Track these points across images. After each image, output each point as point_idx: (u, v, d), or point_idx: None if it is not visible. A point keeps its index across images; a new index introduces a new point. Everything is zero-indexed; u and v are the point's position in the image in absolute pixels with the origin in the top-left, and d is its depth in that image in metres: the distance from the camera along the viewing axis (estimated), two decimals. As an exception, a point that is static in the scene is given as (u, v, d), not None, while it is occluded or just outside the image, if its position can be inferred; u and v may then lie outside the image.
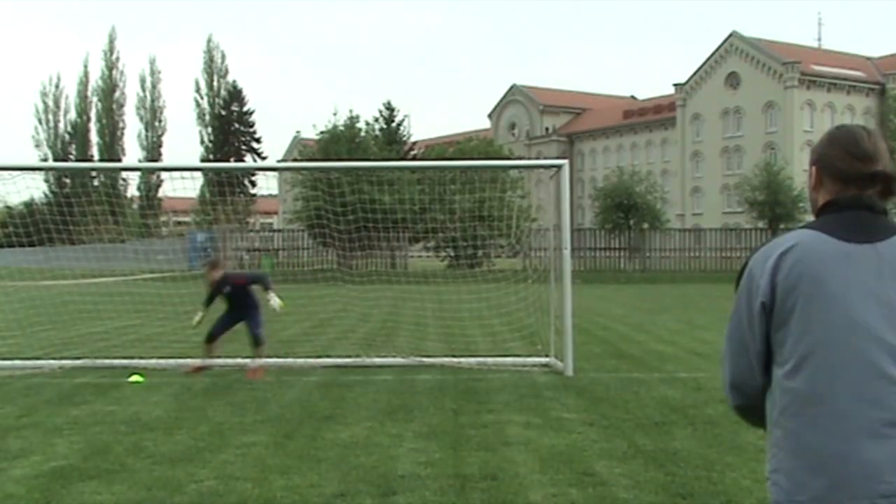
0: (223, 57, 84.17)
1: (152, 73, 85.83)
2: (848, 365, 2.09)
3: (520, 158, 72.26)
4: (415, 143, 73.17)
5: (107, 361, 11.67)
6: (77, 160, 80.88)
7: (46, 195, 70.88)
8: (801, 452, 2.10)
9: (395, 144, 63.41)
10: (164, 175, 28.31)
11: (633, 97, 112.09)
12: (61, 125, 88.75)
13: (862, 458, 2.03)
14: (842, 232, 2.16)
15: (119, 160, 79.27)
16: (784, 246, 2.19)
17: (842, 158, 2.21)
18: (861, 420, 2.05)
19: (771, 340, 2.20)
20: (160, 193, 70.63)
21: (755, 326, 2.21)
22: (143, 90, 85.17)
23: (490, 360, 11.59)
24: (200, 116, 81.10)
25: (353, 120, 52.31)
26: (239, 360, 11.72)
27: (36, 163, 50.64)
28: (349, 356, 11.94)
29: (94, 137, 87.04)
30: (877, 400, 2.05)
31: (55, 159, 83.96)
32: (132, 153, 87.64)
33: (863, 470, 2.02)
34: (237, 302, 10.87)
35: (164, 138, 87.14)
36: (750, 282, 2.23)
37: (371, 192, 27.77)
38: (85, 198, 19.76)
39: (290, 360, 11.66)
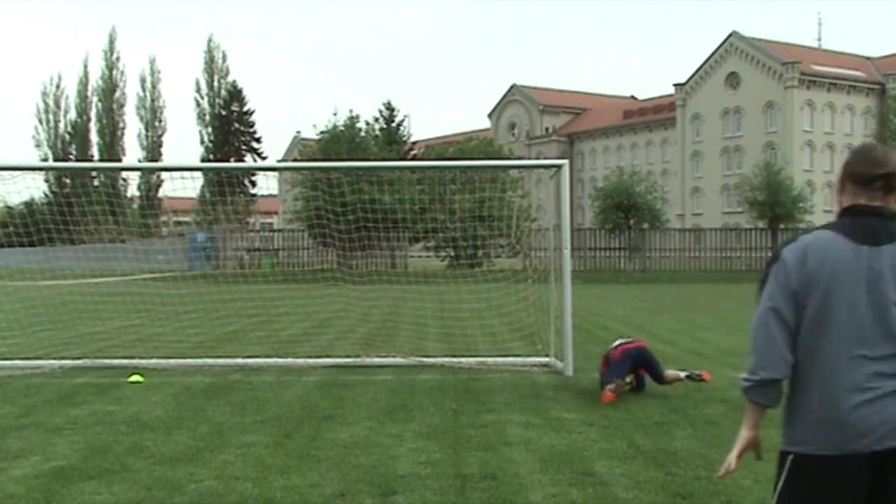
0: (224, 57, 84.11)
1: (152, 73, 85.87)
2: (849, 347, 2.61)
3: (520, 158, 72.21)
4: (415, 143, 73.16)
5: (107, 361, 11.67)
6: (77, 160, 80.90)
7: (46, 195, 71.01)
8: (819, 416, 2.64)
9: (395, 144, 63.36)
10: (164, 175, 28.31)
11: (633, 97, 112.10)
12: (61, 125, 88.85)
13: (862, 422, 2.59)
14: (855, 235, 2.64)
15: (119, 160, 79.27)
16: (810, 240, 2.68)
17: (858, 163, 2.71)
18: (858, 393, 2.60)
19: (799, 319, 2.66)
20: (160, 193, 70.54)
21: (791, 305, 2.65)
22: (143, 90, 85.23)
23: (490, 360, 11.59)
24: (200, 116, 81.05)
25: (353, 120, 52.27)
26: (239, 360, 11.73)
27: (36, 163, 50.56)
28: (349, 356, 11.93)
29: (94, 137, 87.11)
30: (868, 375, 2.60)
31: (55, 159, 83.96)
32: (132, 153, 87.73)
33: (863, 429, 2.58)
34: None
35: (164, 138, 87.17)
36: (785, 268, 2.67)
37: (371, 192, 27.76)
38: (85, 198, 19.75)
39: (290, 360, 11.65)
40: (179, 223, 56.45)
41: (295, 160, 69.28)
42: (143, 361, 11.56)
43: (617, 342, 9.38)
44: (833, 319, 2.62)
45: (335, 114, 61.78)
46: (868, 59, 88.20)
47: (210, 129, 79.86)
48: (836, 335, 2.62)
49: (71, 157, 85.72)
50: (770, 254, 2.87)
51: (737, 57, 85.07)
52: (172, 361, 11.57)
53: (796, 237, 2.74)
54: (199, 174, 23.29)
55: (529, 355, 11.82)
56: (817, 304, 2.63)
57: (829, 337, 2.63)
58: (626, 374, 8.89)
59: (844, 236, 2.64)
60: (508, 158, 55.67)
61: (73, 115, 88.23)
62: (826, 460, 2.63)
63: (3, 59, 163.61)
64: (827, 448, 2.63)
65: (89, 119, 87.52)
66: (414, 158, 65.26)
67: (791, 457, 2.71)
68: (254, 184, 68.98)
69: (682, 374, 9.33)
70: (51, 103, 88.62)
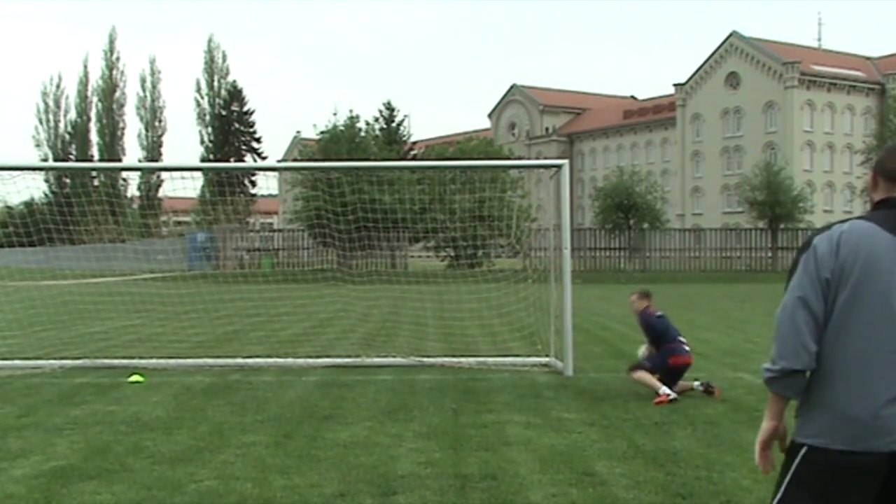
0: (224, 57, 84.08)
1: (152, 73, 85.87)
2: (881, 341, 2.55)
3: (520, 158, 72.21)
4: (415, 143, 73.15)
5: (107, 361, 11.67)
6: (77, 160, 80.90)
7: (46, 195, 71.01)
8: (841, 410, 2.58)
9: (395, 144, 63.35)
10: (164, 175, 28.34)
11: (633, 97, 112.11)
12: (61, 125, 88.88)
13: (885, 421, 2.53)
14: (890, 225, 2.60)
15: (119, 160, 79.27)
16: (844, 229, 2.64)
17: (889, 159, 2.71)
18: (884, 392, 2.54)
19: (829, 310, 2.60)
20: (160, 193, 70.64)
21: (819, 295, 2.60)
22: (143, 90, 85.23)
23: (490, 360, 11.59)
24: (200, 116, 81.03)
25: (353, 120, 52.28)
26: (239, 360, 11.73)
27: (36, 163, 50.55)
28: (349, 356, 11.94)
29: (94, 137, 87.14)
30: (891, 371, 2.54)
31: (55, 159, 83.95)
32: (132, 153, 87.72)
33: (885, 427, 2.53)
34: None
35: (164, 138, 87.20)
36: (815, 257, 2.62)
37: (371, 192, 27.78)
38: (85, 198, 19.71)
39: (290, 360, 11.65)
40: (179, 223, 56.44)
41: (295, 160, 69.31)
42: (143, 361, 11.56)
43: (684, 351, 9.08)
44: (864, 312, 2.56)
45: (335, 114, 61.93)
46: (868, 59, 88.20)
47: (210, 129, 79.83)
48: (866, 328, 2.56)
49: (71, 157, 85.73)
50: (791, 250, 2.89)
51: (737, 57, 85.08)
52: (172, 361, 11.58)
53: (830, 225, 2.70)
54: (199, 174, 23.29)
55: (529, 355, 11.83)
56: (848, 294, 2.57)
57: (859, 330, 2.57)
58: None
59: (880, 227, 2.60)
60: (508, 158, 55.67)
61: (73, 115, 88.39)
62: (842, 455, 2.57)
63: (3, 59, 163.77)
64: (845, 443, 2.57)
65: (89, 119, 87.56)
66: (414, 158, 65.24)
67: (805, 449, 2.65)
68: (254, 184, 69.00)
69: (695, 384, 9.10)
70: (51, 103, 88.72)
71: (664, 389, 8.64)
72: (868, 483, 2.58)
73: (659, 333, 9.09)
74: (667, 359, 8.87)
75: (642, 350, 9.21)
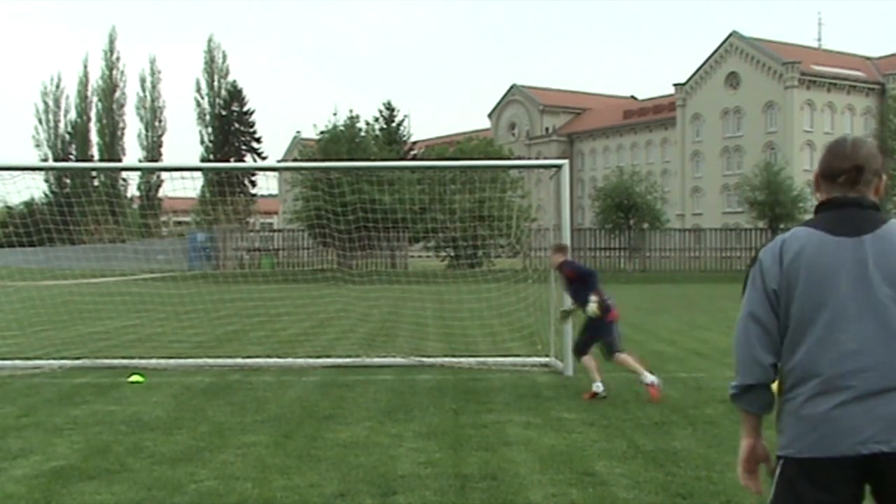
0: (224, 57, 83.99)
1: (152, 73, 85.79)
2: (835, 342, 2.48)
3: (520, 158, 72.20)
4: (415, 143, 73.14)
5: (107, 361, 11.67)
6: (77, 160, 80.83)
7: (46, 195, 71.00)
8: (803, 417, 2.51)
9: (395, 144, 63.36)
10: (164, 175, 28.33)
11: (633, 97, 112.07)
12: (61, 125, 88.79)
13: (845, 422, 2.44)
14: (832, 228, 2.55)
15: (119, 160, 79.18)
16: (786, 237, 2.61)
17: (826, 158, 2.65)
18: (844, 391, 2.45)
19: (780, 321, 2.58)
20: (160, 193, 70.68)
21: (768, 308, 2.58)
22: (143, 90, 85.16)
23: (490, 360, 11.59)
24: (200, 116, 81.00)
25: (353, 120, 52.29)
26: (239, 360, 11.74)
27: (36, 163, 50.58)
28: (349, 356, 11.94)
29: (94, 137, 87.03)
30: (855, 371, 2.45)
31: (55, 159, 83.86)
32: (132, 153, 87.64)
33: (846, 428, 2.44)
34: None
35: (164, 138, 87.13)
36: (761, 270, 2.61)
37: (371, 192, 27.80)
38: (85, 198, 19.72)
39: (290, 360, 11.66)
40: (179, 223, 56.49)
41: (295, 160, 69.23)
42: (143, 361, 11.56)
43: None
44: (818, 314, 2.49)
45: (335, 114, 61.95)
46: (868, 59, 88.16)
47: (210, 129, 79.81)
48: (821, 330, 2.48)
49: (71, 157, 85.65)
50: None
51: (737, 57, 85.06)
52: (172, 361, 11.58)
53: (774, 238, 2.69)
54: (199, 174, 23.30)
55: (529, 355, 11.83)
56: (799, 301, 2.52)
57: (814, 332, 2.49)
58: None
59: (822, 230, 2.54)
60: (508, 158, 55.66)
61: (73, 115, 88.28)
62: (811, 463, 2.48)
63: (3, 59, 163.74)
64: (812, 450, 2.48)
65: (89, 119, 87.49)
66: (414, 158, 65.21)
67: (781, 461, 2.59)
68: (254, 184, 69.04)
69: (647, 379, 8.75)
70: (51, 103, 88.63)
71: (650, 378, 8.70)
72: (842, 490, 2.46)
73: (587, 273, 9.24)
74: (606, 317, 8.90)
75: (592, 307, 8.86)
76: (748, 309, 2.62)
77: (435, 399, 8.87)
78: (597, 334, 8.98)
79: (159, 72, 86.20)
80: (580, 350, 9.18)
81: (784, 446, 2.58)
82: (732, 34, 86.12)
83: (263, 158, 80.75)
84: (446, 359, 11.74)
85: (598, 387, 8.82)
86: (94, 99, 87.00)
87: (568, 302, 9.80)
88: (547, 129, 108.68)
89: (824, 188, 2.64)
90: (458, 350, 12.73)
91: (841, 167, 2.59)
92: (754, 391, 2.64)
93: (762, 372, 2.60)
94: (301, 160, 55.07)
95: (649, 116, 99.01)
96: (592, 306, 8.83)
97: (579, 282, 9.17)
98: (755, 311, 2.61)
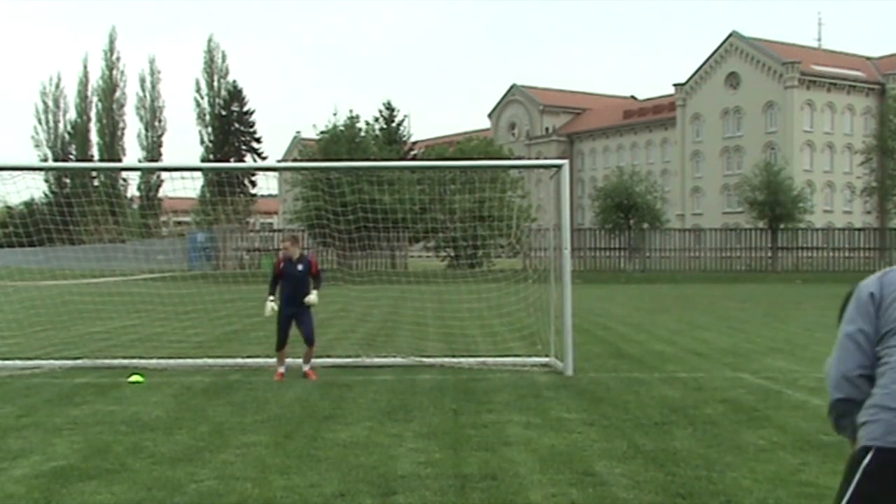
0: (224, 57, 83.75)
1: (152, 73, 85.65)
2: None
3: (520, 158, 72.21)
4: (415, 143, 73.13)
5: (107, 361, 11.67)
6: (77, 160, 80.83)
7: (46, 195, 70.97)
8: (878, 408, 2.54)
9: (395, 144, 63.33)
10: (164, 175, 28.31)
11: (633, 97, 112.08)
12: (61, 125, 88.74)
13: None
14: None
15: (119, 160, 79.12)
16: (890, 270, 2.72)
17: None
18: None
19: (879, 339, 2.63)
20: (160, 193, 70.60)
21: (866, 319, 2.66)
22: (143, 90, 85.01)
23: (490, 360, 11.59)
24: (200, 116, 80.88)
25: (353, 120, 52.34)
26: (239, 360, 11.73)
27: (36, 163, 50.56)
28: (349, 356, 11.94)
29: (94, 137, 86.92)
30: None
31: (55, 159, 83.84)
32: (132, 153, 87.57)
33: None
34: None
35: (164, 138, 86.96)
36: (859, 293, 2.71)
37: (371, 192, 27.79)
38: (85, 198, 19.75)
39: (289, 360, 11.63)
40: (179, 223, 56.51)
41: (295, 160, 69.36)
42: (143, 361, 11.56)
43: None
44: None
45: (335, 114, 62.09)
46: (868, 59, 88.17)
47: (210, 129, 79.72)
48: None
49: (71, 157, 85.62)
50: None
51: (737, 57, 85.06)
52: (172, 361, 11.58)
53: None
54: (199, 174, 23.28)
55: (529, 355, 11.83)
56: (889, 317, 2.61)
57: None
58: None
59: None
60: (508, 158, 55.70)
61: (72, 115, 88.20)
62: (891, 453, 2.44)
63: (3, 59, 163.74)
64: (888, 440, 2.45)
65: (89, 119, 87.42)
66: (414, 158, 65.21)
67: (861, 451, 2.52)
68: (254, 184, 68.89)
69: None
70: (50, 103, 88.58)
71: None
72: None
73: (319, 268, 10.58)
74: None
75: (312, 297, 10.41)
76: (848, 327, 2.70)
77: (435, 399, 8.87)
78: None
79: (159, 72, 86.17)
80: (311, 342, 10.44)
81: (865, 437, 2.54)
82: (732, 34, 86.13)
83: (263, 158, 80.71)
84: (446, 359, 11.74)
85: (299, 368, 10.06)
86: (94, 99, 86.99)
87: None
88: (547, 129, 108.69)
89: None
90: (458, 350, 12.73)
91: None
92: (847, 404, 2.67)
93: (847, 386, 2.66)
94: (301, 160, 55.19)
95: (649, 116, 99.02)
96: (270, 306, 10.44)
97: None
98: (853, 330, 2.68)
